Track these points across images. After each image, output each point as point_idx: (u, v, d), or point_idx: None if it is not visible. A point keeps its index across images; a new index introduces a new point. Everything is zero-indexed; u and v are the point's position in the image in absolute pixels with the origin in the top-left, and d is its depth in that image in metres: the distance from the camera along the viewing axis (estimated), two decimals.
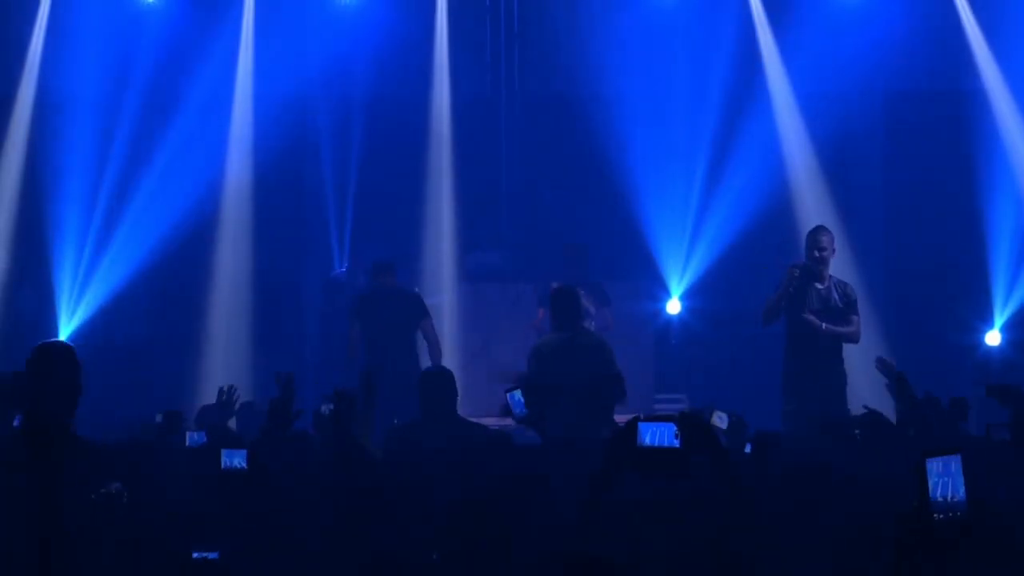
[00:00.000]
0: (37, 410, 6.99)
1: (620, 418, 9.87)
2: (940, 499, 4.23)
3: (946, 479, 4.25)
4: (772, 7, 16.26)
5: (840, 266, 15.65)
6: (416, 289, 14.56)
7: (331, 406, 9.11)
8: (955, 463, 4.23)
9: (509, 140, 16.72)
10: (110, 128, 15.48)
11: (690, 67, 16.15)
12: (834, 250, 12.29)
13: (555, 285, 12.24)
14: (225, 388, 10.40)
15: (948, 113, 16.09)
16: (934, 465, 4.23)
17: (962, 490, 4.22)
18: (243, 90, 16.06)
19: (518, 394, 8.99)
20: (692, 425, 5.14)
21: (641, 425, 5.12)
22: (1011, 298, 15.62)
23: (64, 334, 15.18)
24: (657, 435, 5.13)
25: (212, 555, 5.84)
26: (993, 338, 15.58)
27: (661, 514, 5.40)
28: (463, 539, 5.54)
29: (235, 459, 6.72)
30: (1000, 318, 15.64)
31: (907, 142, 16.31)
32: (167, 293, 15.90)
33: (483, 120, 16.58)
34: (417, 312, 13.65)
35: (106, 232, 15.51)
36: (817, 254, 12.09)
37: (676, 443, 5.10)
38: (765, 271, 13.45)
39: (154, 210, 15.56)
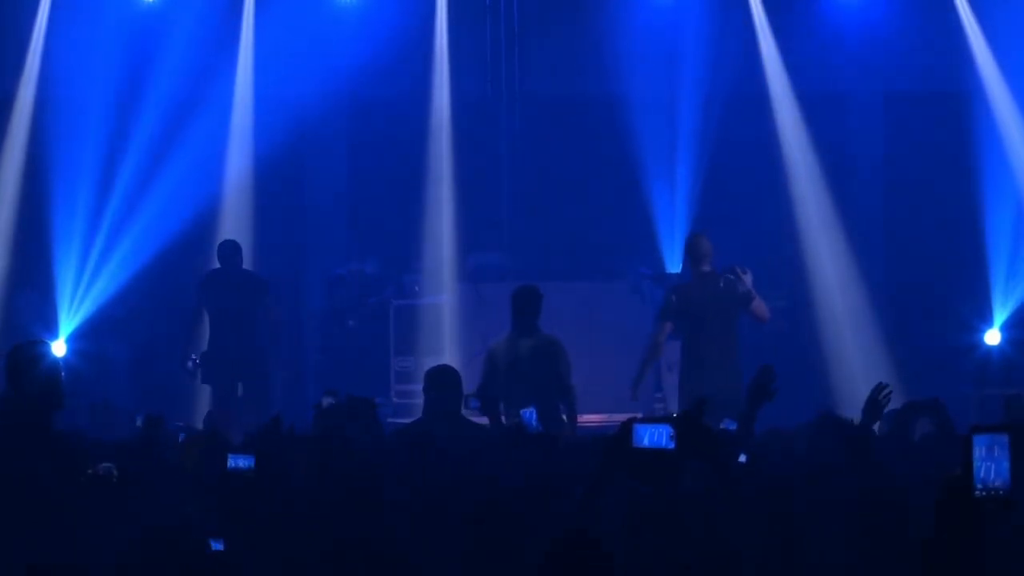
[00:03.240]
0: (16, 408, 6.99)
1: (618, 417, 9.88)
2: (983, 476, 4.25)
3: (990, 457, 4.27)
4: (772, 7, 16.25)
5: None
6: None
7: (331, 399, 9.09)
8: (1002, 441, 4.26)
9: (509, 140, 16.71)
10: (110, 128, 15.46)
11: (690, 67, 16.14)
12: (705, 255, 12.22)
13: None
14: None
15: (948, 113, 16.08)
16: (980, 442, 4.26)
17: (1006, 469, 4.25)
18: (243, 90, 16.05)
19: (531, 412, 9.01)
20: (688, 427, 5.13)
21: (636, 426, 5.11)
22: (1010, 297, 15.63)
23: (64, 334, 15.17)
24: (652, 437, 5.11)
25: (217, 545, 5.82)
26: (993, 337, 15.58)
27: (660, 514, 5.39)
28: (471, 538, 5.54)
29: (240, 462, 6.68)
30: (1000, 317, 15.65)
31: (907, 142, 16.30)
32: (168, 293, 15.88)
33: (483, 120, 16.56)
34: (259, 294, 14.04)
35: (106, 232, 15.49)
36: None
37: (671, 445, 5.08)
38: (768, 269, 13.47)
39: (154, 210, 15.55)
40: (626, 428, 5.11)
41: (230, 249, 14.11)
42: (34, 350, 7.21)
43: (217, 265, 14.13)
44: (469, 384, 10.75)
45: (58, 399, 7.10)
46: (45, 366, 7.10)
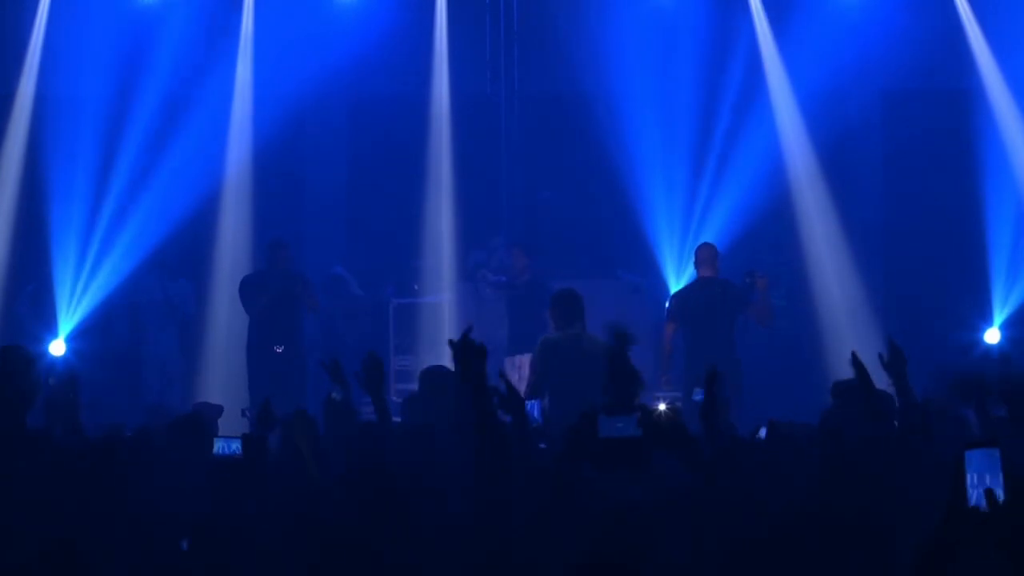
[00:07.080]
0: None
1: None
2: (976, 490, 4.24)
3: (983, 472, 4.26)
4: (772, 7, 16.26)
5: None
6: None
7: (340, 395, 9.07)
8: (994, 455, 4.25)
9: (509, 139, 16.73)
10: (110, 128, 15.48)
11: (690, 66, 16.14)
12: (702, 261, 12.97)
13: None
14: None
15: (947, 112, 16.08)
16: (972, 457, 4.24)
17: (999, 482, 4.24)
18: (242, 89, 16.07)
19: (533, 405, 9.00)
20: (656, 416, 5.13)
21: (602, 417, 5.11)
22: (1010, 296, 15.61)
23: (64, 333, 15.20)
24: (618, 427, 5.11)
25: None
26: (992, 336, 15.56)
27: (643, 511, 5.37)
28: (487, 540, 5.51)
29: (231, 446, 6.67)
30: (999, 316, 15.63)
31: (906, 141, 16.29)
32: (166, 292, 15.90)
33: (483, 119, 16.58)
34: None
35: (106, 231, 15.52)
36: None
37: (638, 434, 5.08)
38: (764, 268, 13.49)
39: (153, 209, 15.58)
40: (591, 419, 5.12)
41: (276, 247, 14.32)
42: (17, 355, 7.15)
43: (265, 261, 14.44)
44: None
45: (35, 400, 7.06)
46: (27, 375, 7.05)
